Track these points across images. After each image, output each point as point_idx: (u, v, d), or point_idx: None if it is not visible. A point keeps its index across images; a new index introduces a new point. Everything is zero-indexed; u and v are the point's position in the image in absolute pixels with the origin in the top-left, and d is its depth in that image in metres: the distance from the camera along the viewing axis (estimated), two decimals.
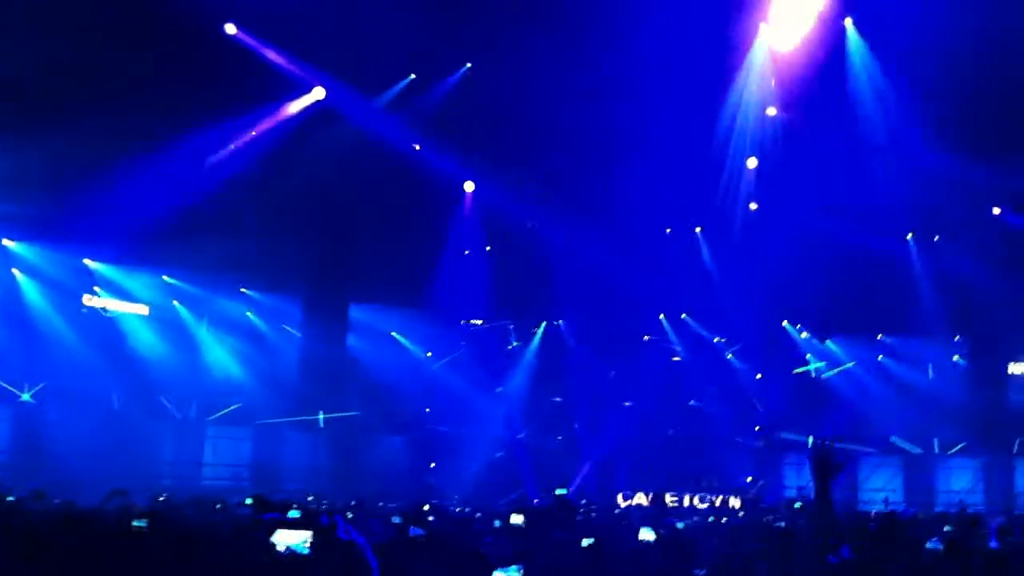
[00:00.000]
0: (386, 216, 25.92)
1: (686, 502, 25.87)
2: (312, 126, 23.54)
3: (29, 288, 24.35)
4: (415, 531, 9.32)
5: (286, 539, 7.41)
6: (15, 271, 24.17)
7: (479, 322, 30.85)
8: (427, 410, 29.73)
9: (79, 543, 7.32)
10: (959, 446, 28.14)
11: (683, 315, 30.02)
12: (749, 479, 29.33)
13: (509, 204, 26.39)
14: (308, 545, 7.37)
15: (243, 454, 28.64)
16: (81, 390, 24.66)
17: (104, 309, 25.61)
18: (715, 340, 30.10)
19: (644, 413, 29.73)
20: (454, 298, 29.31)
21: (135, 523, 8.01)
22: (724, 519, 17.13)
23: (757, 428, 29.62)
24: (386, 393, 28.78)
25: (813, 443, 5.82)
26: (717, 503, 25.15)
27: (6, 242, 23.73)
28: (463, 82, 23.89)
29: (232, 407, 27.54)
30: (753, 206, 26.64)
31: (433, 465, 29.34)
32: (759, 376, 30.03)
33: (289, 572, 7.10)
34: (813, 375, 29.74)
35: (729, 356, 30.34)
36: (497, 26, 20.81)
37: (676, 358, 30.58)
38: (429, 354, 30.70)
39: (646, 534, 8.19)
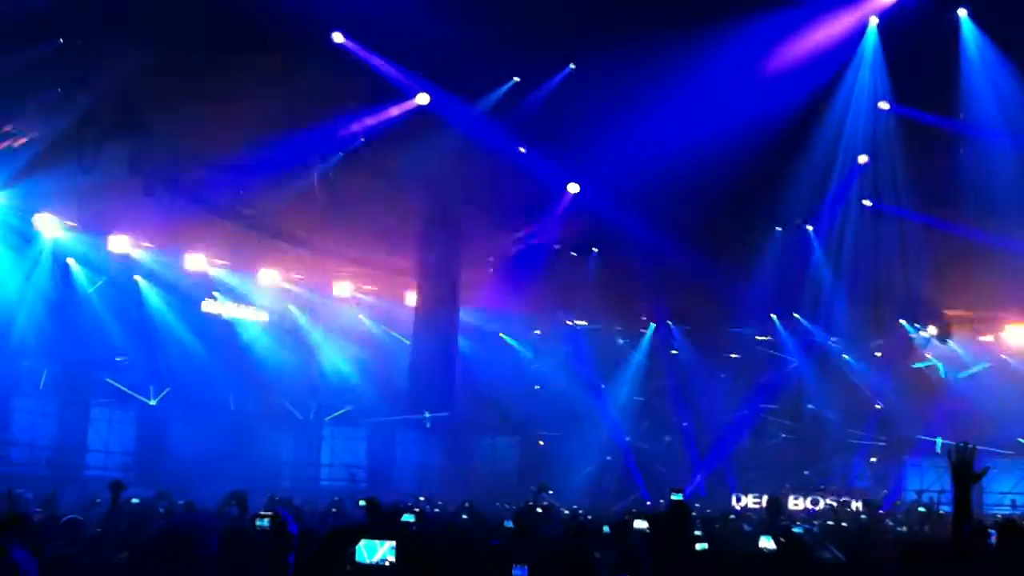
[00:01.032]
0: (492, 218, 26.04)
1: (802, 505, 25.35)
2: (418, 130, 23.78)
3: (151, 294, 25.21)
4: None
5: (370, 549, 7.22)
6: (137, 278, 25.05)
7: (584, 323, 30.82)
8: (536, 386, 29.73)
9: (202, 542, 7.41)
10: None
11: (795, 314, 29.44)
12: (873, 459, 28.61)
13: (614, 205, 26.24)
14: (392, 555, 7.17)
15: (359, 455, 29.23)
16: (201, 393, 25.47)
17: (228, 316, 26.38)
18: (831, 340, 29.39)
19: (756, 415, 29.26)
20: (561, 300, 29.39)
21: (259, 522, 8.12)
22: (844, 523, 16.71)
23: (876, 406, 28.74)
24: (495, 394, 28.99)
25: (954, 448, 5.51)
26: (836, 505, 24.52)
27: (128, 249, 24.49)
28: (566, 83, 23.80)
29: (344, 409, 28.11)
30: (867, 203, 25.96)
31: (542, 443, 29.44)
32: (876, 375, 29.23)
33: None
34: (944, 376, 28.77)
35: (845, 356, 29.59)
36: (600, 26, 20.68)
37: (785, 357, 30.04)
38: (537, 331, 30.71)
39: (766, 543, 7.87)
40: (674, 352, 30.48)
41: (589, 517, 16.59)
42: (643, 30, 20.14)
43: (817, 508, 24.63)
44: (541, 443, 29.68)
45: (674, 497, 13.04)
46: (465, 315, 29.69)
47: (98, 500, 15.02)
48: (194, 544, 6.23)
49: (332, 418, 28.33)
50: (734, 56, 20.63)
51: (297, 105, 21.35)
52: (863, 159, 24.64)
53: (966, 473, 5.51)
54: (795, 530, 10.12)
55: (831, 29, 21.12)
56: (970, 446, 5.57)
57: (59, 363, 23.33)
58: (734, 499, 25.78)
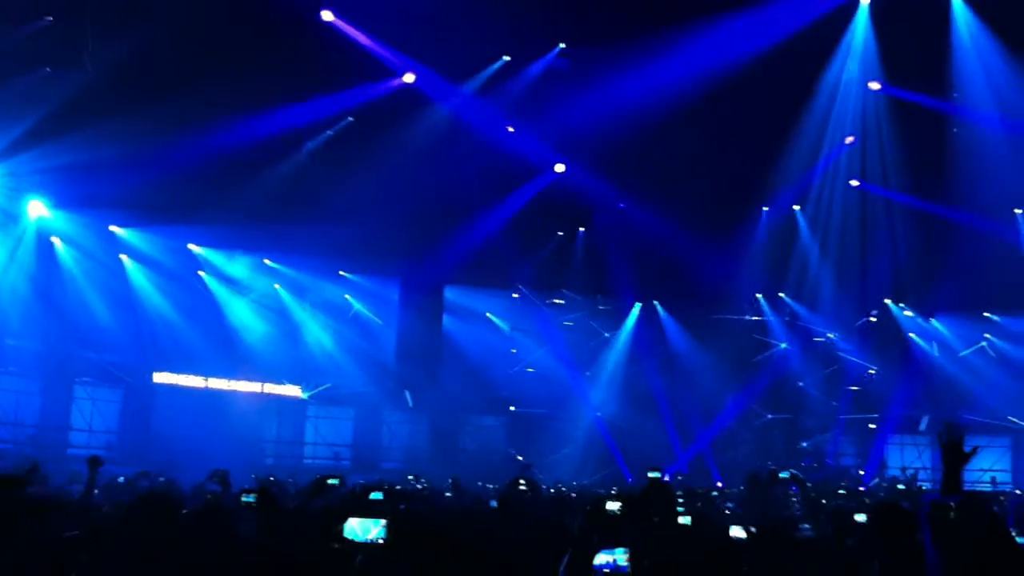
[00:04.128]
0: (478, 197, 26.01)
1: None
2: (405, 110, 23.70)
3: (136, 273, 25.10)
4: None
5: (359, 527, 7.16)
6: (123, 257, 24.94)
7: (561, 302, 30.80)
8: (528, 369, 29.74)
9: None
10: None
11: (780, 294, 29.52)
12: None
13: (601, 185, 26.24)
14: (384, 534, 7.09)
15: (343, 433, 29.24)
16: (187, 372, 25.47)
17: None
18: (818, 320, 29.43)
19: (742, 396, 29.29)
20: (546, 279, 29.42)
21: (244, 498, 8.14)
22: (823, 500, 16.76)
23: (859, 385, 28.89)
24: (481, 374, 29.06)
25: (945, 426, 5.54)
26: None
27: (113, 228, 24.43)
28: (555, 63, 23.71)
29: (326, 385, 28.08)
30: (854, 183, 26.00)
31: (513, 408, 29.69)
32: (862, 353, 29.31)
33: (361, 563, 6.77)
34: (931, 356, 28.84)
35: (831, 336, 29.67)
36: (590, 5, 20.62)
37: (770, 340, 30.13)
38: (521, 310, 30.87)
39: (737, 531, 7.78)
40: (659, 333, 30.49)
41: (573, 495, 16.63)
42: (632, 9, 20.11)
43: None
44: (512, 408, 29.78)
45: (651, 475, 13.11)
46: (450, 294, 29.80)
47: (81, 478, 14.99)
48: (161, 516, 6.18)
49: (314, 395, 28.26)
50: (723, 35, 20.57)
51: (286, 82, 21.28)
52: (849, 139, 24.67)
53: (957, 452, 5.54)
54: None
55: (822, 8, 21.06)
56: (961, 424, 5.61)
57: (42, 341, 23.25)
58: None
